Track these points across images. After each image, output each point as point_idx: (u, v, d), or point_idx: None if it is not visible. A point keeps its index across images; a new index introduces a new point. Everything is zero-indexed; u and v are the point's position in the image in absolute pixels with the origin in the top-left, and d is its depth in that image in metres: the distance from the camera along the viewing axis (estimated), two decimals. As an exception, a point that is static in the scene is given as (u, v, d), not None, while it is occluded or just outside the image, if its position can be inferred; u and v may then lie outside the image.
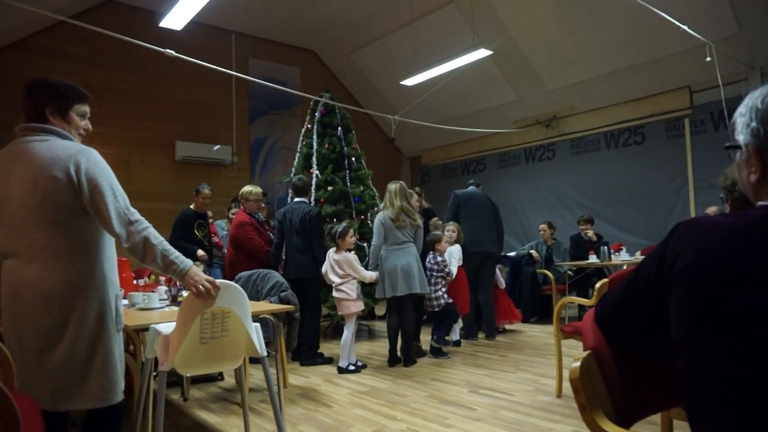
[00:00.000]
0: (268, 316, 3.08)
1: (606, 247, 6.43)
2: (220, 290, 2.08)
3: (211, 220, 6.26)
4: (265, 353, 2.37)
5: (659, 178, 7.55)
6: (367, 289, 5.91)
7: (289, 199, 5.58)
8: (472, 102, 9.18)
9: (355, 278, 4.46)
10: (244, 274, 4.35)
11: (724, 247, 0.89)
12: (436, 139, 10.30)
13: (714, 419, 0.86)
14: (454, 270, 5.24)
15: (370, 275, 4.50)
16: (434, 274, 4.94)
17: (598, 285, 3.01)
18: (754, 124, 0.95)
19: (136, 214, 1.91)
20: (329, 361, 4.75)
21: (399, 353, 4.68)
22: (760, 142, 0.95)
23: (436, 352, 4.86)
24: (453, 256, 5.36)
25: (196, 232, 5.45)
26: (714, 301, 0.88)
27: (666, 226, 7.45)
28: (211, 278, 2.06)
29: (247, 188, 5.35)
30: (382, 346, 5.37)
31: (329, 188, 6.08)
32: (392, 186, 4.75)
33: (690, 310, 0.91)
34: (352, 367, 4.42)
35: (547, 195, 8.93)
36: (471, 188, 6.16)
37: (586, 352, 1.09)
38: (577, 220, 7.31)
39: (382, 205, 4.78)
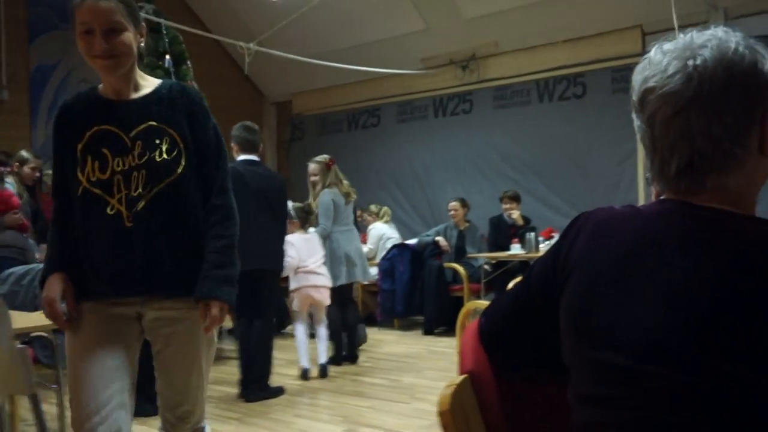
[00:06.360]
0: (44, 333, 2.94)
1: (534, 234, 6.70)
2: None
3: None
4: (35, 391, 2.28)
5: (603, 144, 7.92)
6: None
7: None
8: (364, 30, 9.15)
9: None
10: (17, 270, 4.11)
11: (607, 248, 0.98)
12: (313, 79, 10.19)
13: None
14: None
15: None
16: None
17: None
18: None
19: None
20: (282, 391, 4.75)
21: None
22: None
23: None
24: None
25: None
26: (583, 312, 0.97)
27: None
28: None
29: None
30: (228, 372, 5.34)
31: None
32: (326, 158, 5.59)
33: (566, 320, 1.00)
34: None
35: (461, 161, 9.09)
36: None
37: (461, 377, 1.14)
38: (500, 196, 7.52)
39: (320, 180, 5.50)
